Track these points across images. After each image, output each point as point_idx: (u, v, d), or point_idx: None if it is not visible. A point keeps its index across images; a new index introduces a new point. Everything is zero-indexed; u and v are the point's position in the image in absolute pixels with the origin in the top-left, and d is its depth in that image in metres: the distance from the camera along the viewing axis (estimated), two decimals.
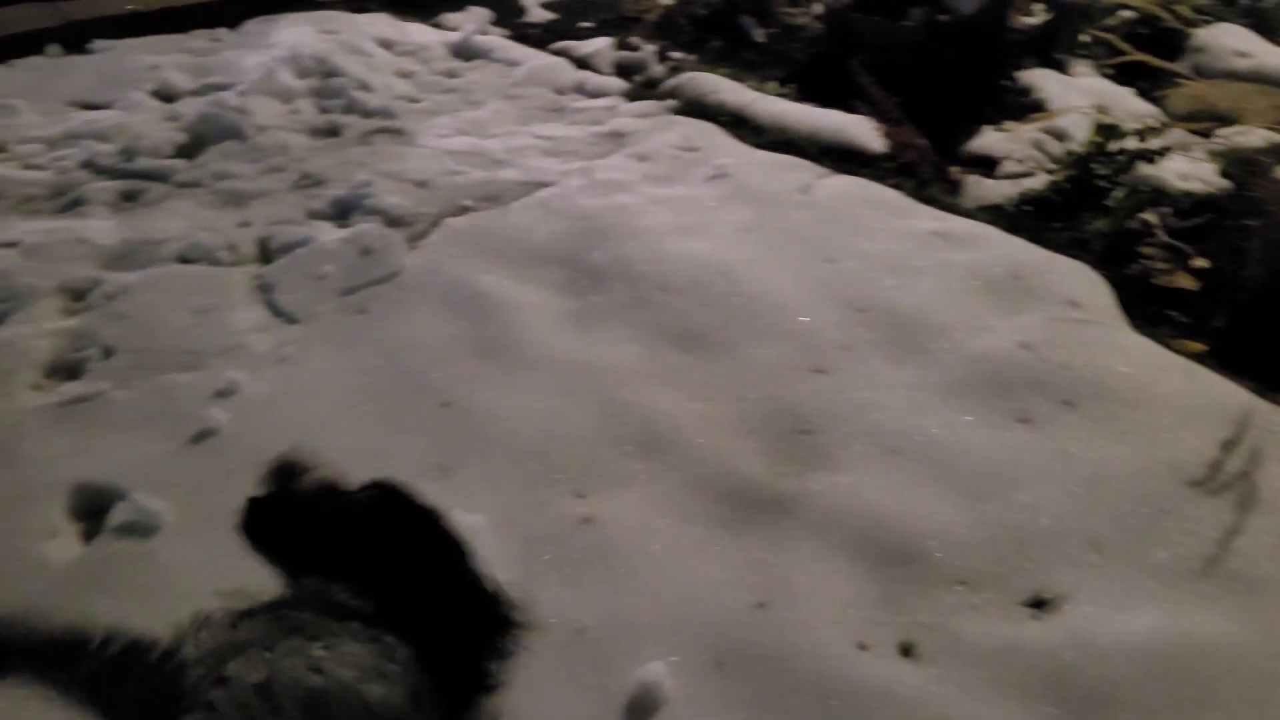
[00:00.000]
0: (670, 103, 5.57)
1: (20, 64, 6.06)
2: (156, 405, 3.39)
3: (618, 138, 5.11)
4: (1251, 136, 4.95)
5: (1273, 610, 2.66)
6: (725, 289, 3.84)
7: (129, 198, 4.71)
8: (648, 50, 6.34)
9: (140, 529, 2.94)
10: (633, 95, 5.78)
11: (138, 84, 5.76)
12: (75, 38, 6.31)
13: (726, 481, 3.07)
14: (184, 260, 4.17)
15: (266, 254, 4.24)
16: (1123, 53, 5.11)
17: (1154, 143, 4.43)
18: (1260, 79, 5.59)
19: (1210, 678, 2.50)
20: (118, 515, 2.97)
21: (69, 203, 4.64)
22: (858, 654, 2.58)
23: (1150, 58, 4.56)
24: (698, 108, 5.48)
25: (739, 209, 4.40)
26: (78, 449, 3.21)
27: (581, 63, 6.20)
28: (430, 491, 2.87)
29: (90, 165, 4.96)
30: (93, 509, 3.03)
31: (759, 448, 3.19)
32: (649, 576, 2.77)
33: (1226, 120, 5.13)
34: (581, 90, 5.81)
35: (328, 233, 4.31)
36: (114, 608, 2.69)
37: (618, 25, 6.83)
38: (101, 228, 4.40)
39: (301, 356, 3.60)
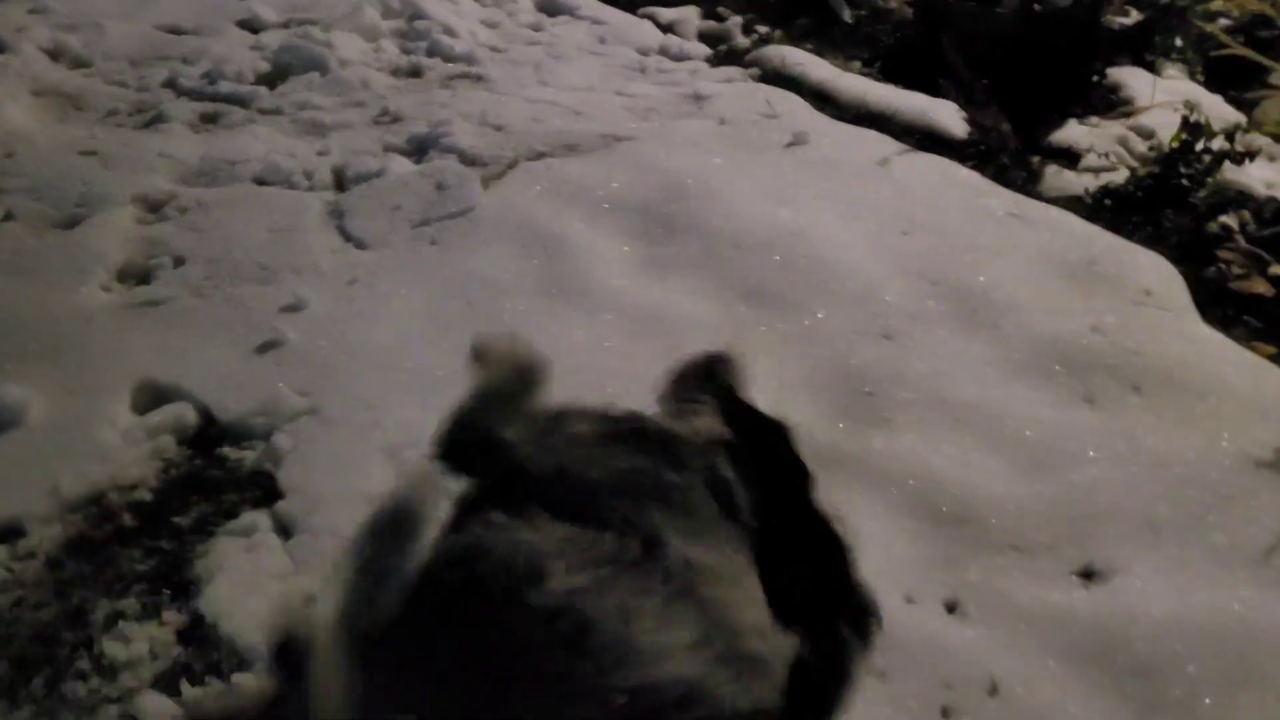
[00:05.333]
0: (753, 71, 5.57)
1: None
2: (225, 314, 3.44)
3: (698, 100, 5.09)
4: None
5: None
6: (797, 251, 3.83)
7: (209, 119, 4.78)
8: (734, 21, 6.32)
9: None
10: (716, 62, 5.78)
11: (225, 13, 5.83)
12: None
13: None
14: (260, 182, 4.23)
15: (342, 182, 4.28)
16: (1222, 46, 5.01)
17: (1242, 144, 4.35)
18: None
19: (1259, 659, 2.46)
20: (177, 414, 3.02)
21: (149, 119, 4.72)
22: (905, 606, 2.57)
23: (1247, 51, 4.48)
24: (780, 79, 5.46)
25: (816, 176, 4.38)
26: (144, 348, 3.27)
27: (667, 27, 6.20)
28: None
29: (172, 85, 5.04)
30: (154, 406, 3.08)
31: (821, 404, 3.18)
32: None
33: None
34: (665, 53, 5.80)
35: (404, 166, 4.34)
36: None
37: None
38: (180, 145, 4.47)
39: (371, 280, 3.63)
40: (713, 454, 2.25)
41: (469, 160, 4.38)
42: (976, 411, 3.17)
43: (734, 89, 5.26)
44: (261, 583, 2.49)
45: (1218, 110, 5.19)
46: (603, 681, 1.61)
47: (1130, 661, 2.45)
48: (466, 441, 2.17)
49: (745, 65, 5.68)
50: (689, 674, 1.64)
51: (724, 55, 5.92)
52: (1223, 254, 4.14)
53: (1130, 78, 5.52)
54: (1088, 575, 2.68)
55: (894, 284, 3.71)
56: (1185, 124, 4.40)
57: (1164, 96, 5.12)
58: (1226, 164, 4.41)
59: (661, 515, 1.98)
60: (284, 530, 2.65)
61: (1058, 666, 2.44)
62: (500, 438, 2.15)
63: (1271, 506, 2.87)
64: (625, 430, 2.27)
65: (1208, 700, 2.38)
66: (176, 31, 5.61)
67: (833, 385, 3.26)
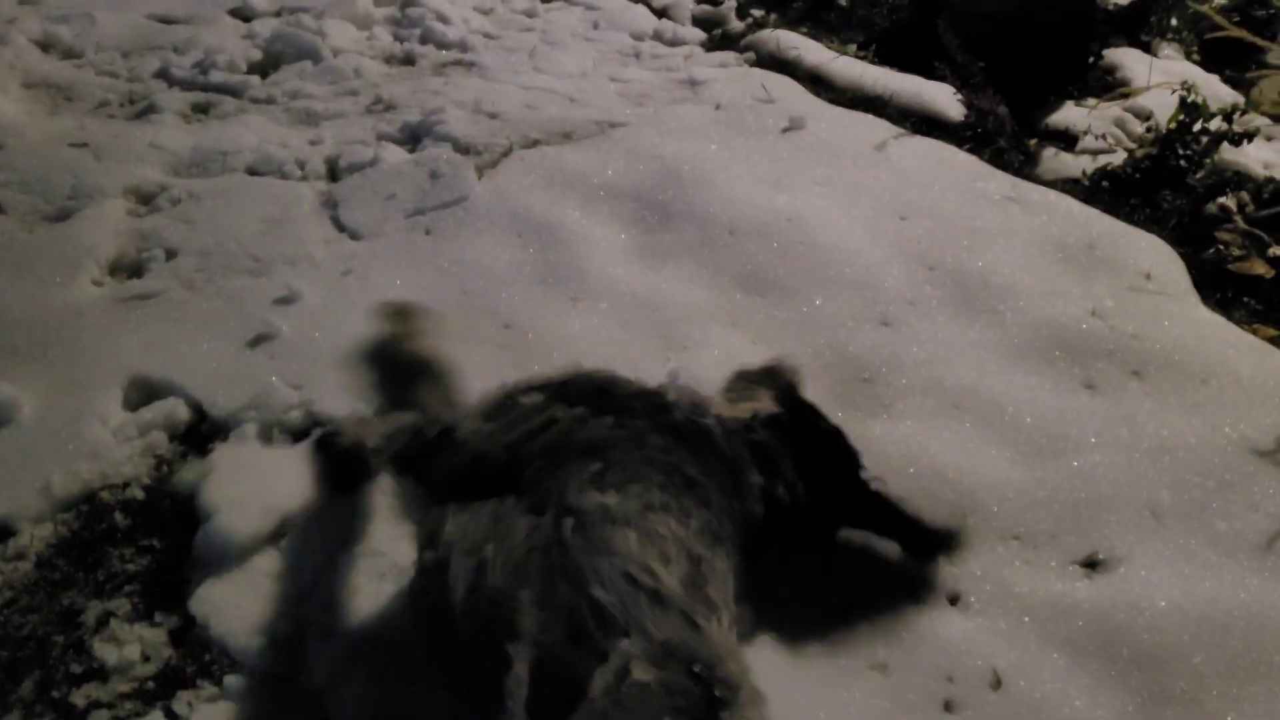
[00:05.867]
0: (748, 56, 5.52)
1: None
2: (217, 307, 3.41)
3: (694, 85, 5.05)
4: None
5: None
6: (794, 237, 3.79)
7: (201, 109, 4.74)
8: (728, 5, 6.26)
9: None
10: (710, 46, 5.74)
11: (216, 2, 5.79)
12: None
13: None
14: (252, 172, 4.19)
15: (335, 172, 4.25)
16: (1217, 27, 4.97)
17: (1240, 125, 4.31)
18: None
19: (1265, 649, 2.43)
20: (168, 410, 2.99)
21: (141, 110, 4.68)
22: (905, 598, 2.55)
23: (1242, 32, 4.44)
24: (776, 63, 5.41)
25: (812, 161, 4.33)
26: (135, 343, 3.23)
27: (661, 12, 6.15)
28: None
29: (164, 75, 5.00)
30: (146, 402, 3.05)
31: (819, 391, 3.13)
32: None
33: None
34: (659, 38, 5.75)
35: (397, 155, 4.29)
36: None
37: None
38: (172, 136, 4.43)
39: (365, 271, 3.59)
40: (656, 399, 2.28)
41: (463, 148, 4.34)
42: (976, 398, 3.14)
43: (729, 74, 5.22)
44: (254, 582, 2.47)
45: (1214, 90, 5.16)
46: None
47: (1134, 653, 2.42)
48: (420, 446, 2.20)
49: (740, 49, 5.63)
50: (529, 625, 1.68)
51: (719, 39, 5.88)
52: (1221, 235, 4.11)
53: (1126, 58, 5.48)
54: (1090, 565, 2.66)
55: (892, 269, 3.67)
56: (1182, 105, 4.36)
57: (1160, 77, 5.08)
58: (1224, 145, 4.36)
59: (572, 473, 2.01)
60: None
61: (1061, 659, 2.42)
62: (453, 433, 2.18)
63: (1275, 493, 2.84)
64: (567, 389, 2.30)
65: (1214, 691, 2.35)
66: (168, 21, 5.57)
67: (831, 373, 3.22)
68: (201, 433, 2.96)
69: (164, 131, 4.44)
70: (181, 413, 2.98)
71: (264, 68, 5.13)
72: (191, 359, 3.15)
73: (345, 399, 3.00)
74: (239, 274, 3.56)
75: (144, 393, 3.07)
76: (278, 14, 5.68)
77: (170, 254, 3.65)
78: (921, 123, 4.86)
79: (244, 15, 5.68)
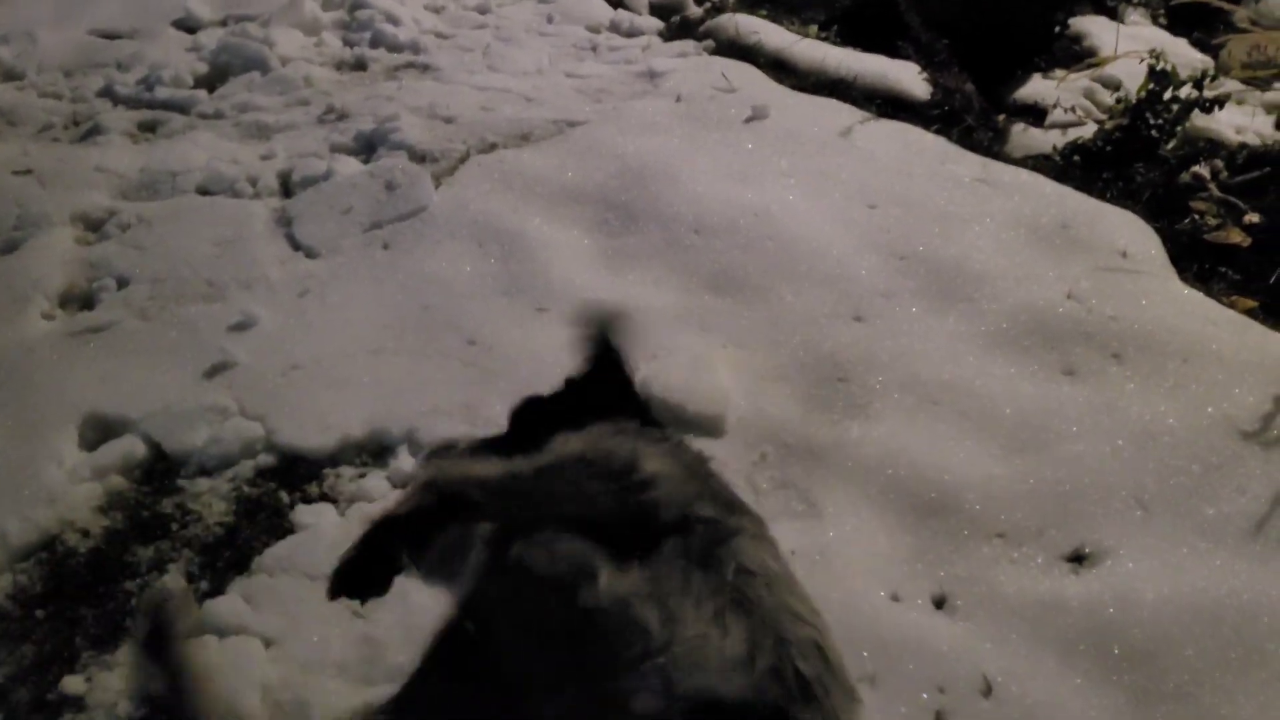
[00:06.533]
0: (708, 43, 5.42)
1: None
2: (172, 337, 3.32)
3: (653, 77, 4.95)
4: None
5: None
6: (762, 233, 3.71)
7: (148, 128, 4.63)
8: None
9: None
10: (669, 35, 5.64)
11: (160, 14, 5.65)
12: None
13: (760, 428, 2.96)
14: (203, 192, 4.09)
15: (288, 187, 4.14)
16: None
17: (1210, 91, 4.24)
18: None
19: (1258, 638, 2.39)
20: (125, 448, 2.90)
21: (86, 132, 4.56)
22: (891, 606, 2.48)
23: None
24: (736, 49, 5.33)
25: (777, 151, 4.25)
26: (89, 379, 3.14)
27: (616, 2, 6.04)
28: (455, 431, 2.82)
29: (109, 94, 4.88)
30: (102, 441, 2.96)
31: (794, 394, 3.08)
32: None
33: None
34: (616, 29, 5.66)
35: (352, 167, 4.19)
36: None
37: None
38: (119, 158, 4.32)
39: (322, 291, 3.50)
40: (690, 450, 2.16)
41: (419, 156, 4.24)
42: (954, 391, 3.08)
43: (689, 63, 5.12)
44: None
45: (1183, 55, 5.11)
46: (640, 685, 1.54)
47: (1126, 649, 2.37)
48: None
49: (699, 37, 5.54)
50: (736, 690, 1.54)
51: (677, 27, 5.78)
52: (1196, 205, 4.05)
53: (1093, 26, 5.43)
54: (1077, 559, 2.60)
55: (863, 261, 3.60)
56: (1152, 73, 4.28)
57: (1128, 44, 5.01)
58: (1195, 112, 4.30)
59: (714, 508, 1.86)
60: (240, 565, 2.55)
61: (1052, 660, 2.36)
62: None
63: (1260, 474, 2.80)
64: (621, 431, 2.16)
65: (1207, 685, 2.30)
66: (111, 36, 5.44)
67: (803, 373, 3.15)
68: (159, 471, 2.86)
69: (110, 153, 4.32)
70: (139, 450, 2.88)
71: (211, 81, 5.00)
72: (147, 393, 3.05)
73: (308, 428, 2.92)
74: (193, 300, 3.46)
75: (100, 431, 2.98)
76: (223, 23, 5.56)
77: (122, 283, 3.55)
78: (887, 104, 4.78)
79: (188, 26, 5.54)
